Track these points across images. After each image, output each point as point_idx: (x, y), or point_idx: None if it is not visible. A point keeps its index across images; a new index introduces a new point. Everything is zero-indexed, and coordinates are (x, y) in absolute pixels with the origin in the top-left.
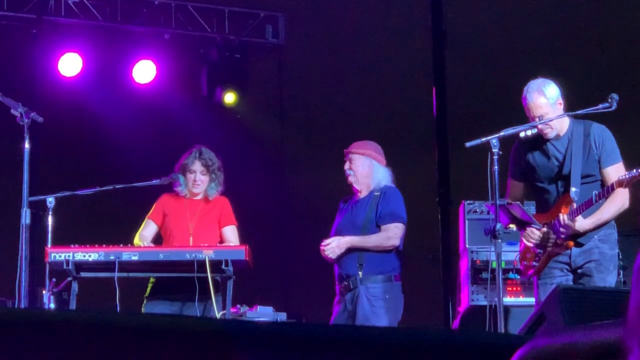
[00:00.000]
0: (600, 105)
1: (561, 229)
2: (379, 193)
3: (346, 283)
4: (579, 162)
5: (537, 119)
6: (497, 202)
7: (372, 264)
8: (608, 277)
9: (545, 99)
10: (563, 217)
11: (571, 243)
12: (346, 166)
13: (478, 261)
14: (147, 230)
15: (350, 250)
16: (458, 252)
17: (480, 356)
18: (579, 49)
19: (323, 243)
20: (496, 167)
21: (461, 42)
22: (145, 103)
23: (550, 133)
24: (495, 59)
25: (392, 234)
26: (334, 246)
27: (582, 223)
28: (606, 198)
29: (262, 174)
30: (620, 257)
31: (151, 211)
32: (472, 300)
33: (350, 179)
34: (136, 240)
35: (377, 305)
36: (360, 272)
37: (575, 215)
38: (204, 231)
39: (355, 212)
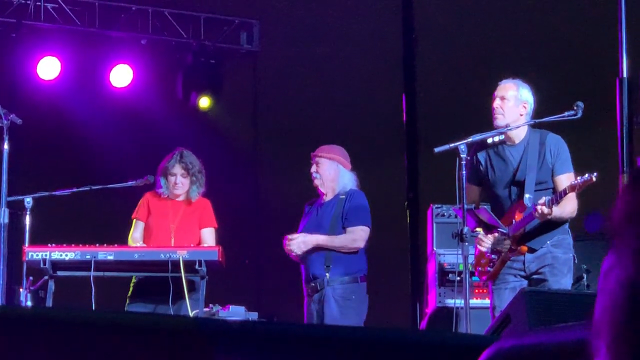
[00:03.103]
0: (566, 113)
1: (536, 214)
2: (344, 196)
3: (313, 284)
4: (533, 170)
5: (495, 99)
6: (465, 206)
7: (339, 265)
8: (562, 280)
9: (516, 91)
10: (541, 205)
11: (525, 248)
12: (313, 169)
13: (445, 264)
14: (137, 232)
15: (317, 251)
16: (426, 255)
17: (447, 356)
18: (547, 56)
19: (288, 237)
20: (464, 172)
21: (431, 49)
22: (122, 106)
23: (499, 120)
24: (465, 66)
25: (358, 236)
26: (299, 241)
27: (555, 210)
28: (558, 203)
29: (235, 177)
30: (576, 260)
31: (137, 211)
32: (439, 302)
33: (317, 181)
34: (129, 242)
35: (344, 305)
36: (327, 274)
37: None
38: (185, 232)
39: (321, 214)
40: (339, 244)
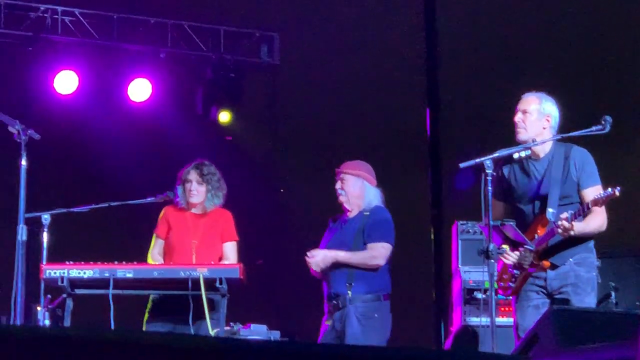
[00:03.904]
0: (594, 128)
1: (559, 230)
2: (368, 213)
3: (335, 302)
4: (557, 184)
5: (518, 112)
6: (490, 222)
7: (361, 283)
8: (586, 299)
9: (538, 104)
10: (562, 220)
11: (547, 263)
12: (337, 186)
13: (470, 281)
14: (157, 249)
15: (339, 269)
16: (450, 272)
17: None
18: (574, 71)
19: (309, 254)
20: (489, 187)
21: (455, 64)
22: (140, 121)
23: (522, 134)
24: (489, 81)
25: (378, 253)
26: (318, 260)
27: (576, 226)
28: (583, 217)
29: (255, 191)
30: (600, 280)
31: (157, 227)
32: (464, 320)
33: (341, 198)
34: (149, 260)
35: (366, 324)
36: (349, 292)
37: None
38: (206, 248)
39: (344, 231)
40: (357, 260)
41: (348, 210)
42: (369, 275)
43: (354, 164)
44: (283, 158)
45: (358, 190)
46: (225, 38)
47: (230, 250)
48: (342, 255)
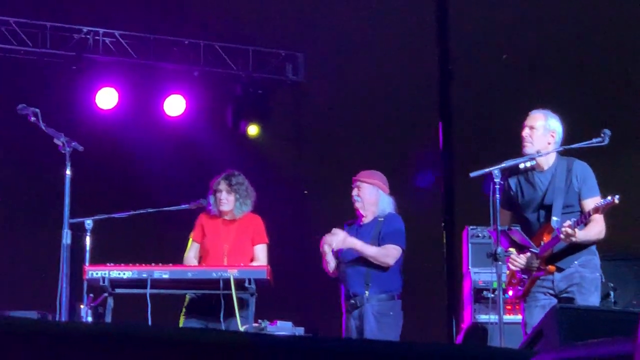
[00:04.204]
0: (594, 140)
1: (562, 236)
2: (382, 219)
3: (353, 301)
4: (561, 194)
5: (525, 128)
6: (499, 227)
7: (377, 284)
8: (590, 298)
9: (544, 121)
10: (566, 227)
11: (553, 268)
12: (354, 193)
13: (480, 281)
14: (192, 252)
15: (357, 271)
16: (461, 273)
17: None
18: (577, 87)
19: (332, 233)
20: (498, 195)
21: (466, 80)
22: (175, 134)
23: (528, 148)
24: (498, 95)
25: (390, 252)
26: (339, 239)
27: (578, 234)
28: (585, 224)
29: (281, 199)
30: (603, 279)
31: (193, 231)
32: (475, 317)
33: (357, 204)
34: (184, 262)
35: (382, 321)
36: (366, 291)
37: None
38: (238, 251)
39: (360, 235)
40: (371, 253)
41: (362, 216)
42: (383, 277)
43: (369, 173)
44: (306, 167)
45: (373, 197)
46: (254, 57)
47: (260, 252)
48: (359, 244)
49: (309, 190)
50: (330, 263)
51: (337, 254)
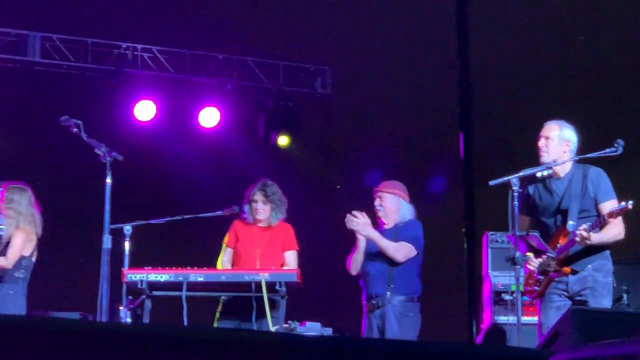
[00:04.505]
0: (607, 150)
1: (577, 239)
2: (402, 224)
3: (375, 301)
4: (576, 200)
5: (541, 138)
6: (517, 233)
7: (399, 285)
8: (603, 301)
9: (559, 131)
10: (581, 230)
11: (568, 269)
12: (376, 202)
13: (499, 284)
14: (226, 256)
15: (380, 272)
16: (481, 277)
17: None
18: (591, 98)
19: (355, 213)
20: (516, 202)
21: (485, 92)
22: (209, 145)
23: (544, 157)
24: (516, 107)
25: (402, 249)
26: (363, 222)
27: (593, 236)
28: (600, 228)
29: (310, 206)
30: (615, 284)
31: (227, 237)
32: (494, 319)
33: (380, 213)
34: (218, 266)
35: (403, 322)
36: (388, 292)
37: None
38: (269, 256)
39: None
40: (385, 245)
41: (384, 224)
42: (405, 279)
43: (390, 184)
44: (334, 175)
45: (394, 206)
46: (284, 72)
47: (291, 258)
48: (376, 235)
49: (336, 198)
50: (358, 258)
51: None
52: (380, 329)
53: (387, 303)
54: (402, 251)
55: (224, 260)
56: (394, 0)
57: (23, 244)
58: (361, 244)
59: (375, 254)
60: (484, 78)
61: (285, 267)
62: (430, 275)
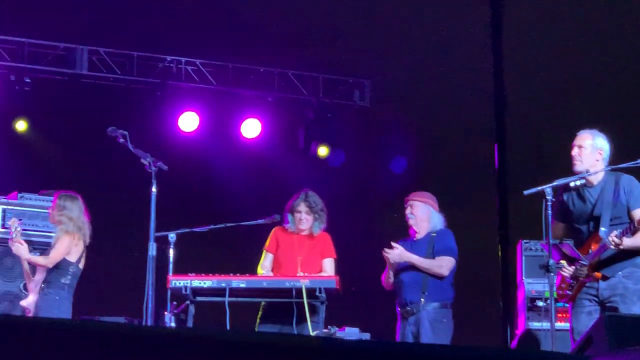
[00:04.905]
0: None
1: (611, 245)
2: (435, 234)
3: (409, 308)
4: (609, 207)
5: (574, 147)
6: (550, 241)
7: (433, 292)
8: (633, 308)
9: (592, 141)
10: (612, 236)
11: (599, 275)
12: (408, 211)
13: (533, 291)
14: (267, 262)
15: (414, 280)
16: (516, 284)
17: None
18: (625, 107)
19: (393, 246)
20: (549, 211)
21: (520, 104)
22: (251, 154)
23: (578, 166)
24: (549, 119)
25: (444, 264)
26: (397, 253)
27: (625, 241)
28: (632, 233)
29: (349, 215)
30: None
31: (267, 244)
32: (528, 324)
33: (411, 222)
34: (259, 271)
35: (436, 327)
36: (422, 299)
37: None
38: (309, 263)
39: (415, 249)
40: (427, 266)
41: (415, 232)
42: (438, 287)
43: (420, 194)
44: (372, 186)
45: (425, 214)
46: (324, 84)
47: (328, 266)
48: (415, 258)
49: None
50: (390, 278)
51: (395, 265)
52: (415, 335)
53: (421, 310)
54: (445, 266)
55: (264, 265)
56: (430, 15)
57: (67, 248)
58: (391, 271)
59: (409, 265)
60: (518, 89)
61: (323, 274)
62: (467, 282)
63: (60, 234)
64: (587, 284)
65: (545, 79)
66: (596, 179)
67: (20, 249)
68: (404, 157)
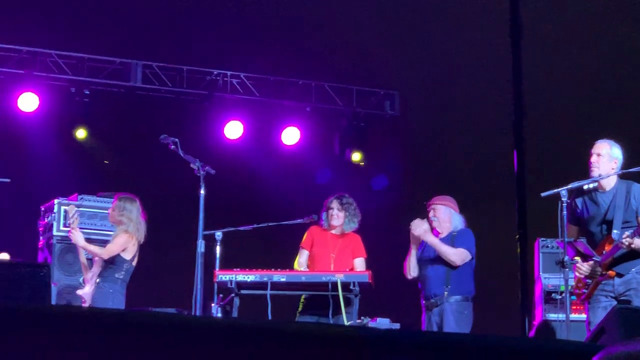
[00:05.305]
0: None
1: (623, 245)
2: (456, 233)
3: (433, 300)
4: (620, 211)
5: (593, 155)
6: (565, 239)
7: (455, 285)
8: None
9: (608, 150)
10: (626, 238)
11: (613, 273)
12: (430, 214)
13: (549, 285)
14: (302, 258)
15: (438, 274)
16: (533, 279)
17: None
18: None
19: (419, 221)
20: (565, 212)
21: (538, 112)
22: (291, 160)
23: (595, 172)
24: (564, 127)
25: (459, 253)
26: (423, 228)
27: (636, 241)
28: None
29: (380, 216)
30: None
31: (304, 241)
32: (545, 316)
33: (435, 224)
34: (295, 266)
35: (458, 318)
36: (446, 292)
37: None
38: (342, 260)
39: None
40: (443, 250)
41: (439, 233)
42: (460, 281)
43: (441, 198)
44: (400, 187)
45: (447, 216)
46: (357, 96)
47: (359, 264)
48: (435, 241)
49: (401, 207)
50: (412, 262)
51: (420, 251)
52: (439, 325)
53: (444, 302)
54: (460, 256)
55: (300, 261)
56: (453, 31)
57: (124, 245)
58: (413, 250)
59: (433, 259)
60: (538, 99)
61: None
62: (488, 277)
63: (119, 232)
64: (602, 282)
65: (563, 89)
66: (609, 185)
67: (77, 236)
68: (431, 162)
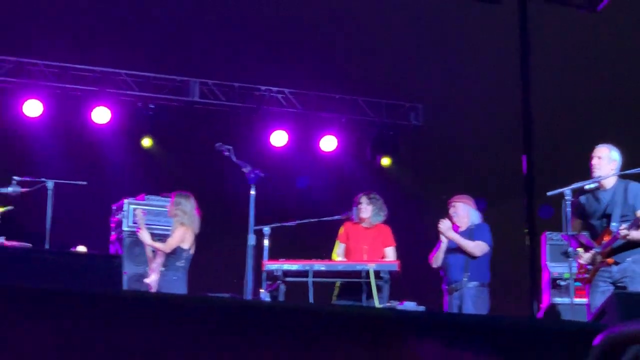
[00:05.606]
0: None
1: (620, 236)
2: (474, 227)
3: (454, 286)
4: (619, 207)
5: (594, 158)
6: (569, 233)
7: (473, 272)
8: (639, 287)
9: (607, 153)
10: (623, 230)
11: (611, 260)
12: (451, 211)
13: (555, 273)
14: (339, 250)
15: (457, 261)
16: (541, 267)
17: (567, 337)
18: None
19: (443, 221)
20: (569, 209)
21: (546, 117)
22: (328, 165)
23: (596, 173)
24: (570, 133)
25: (478, 246)
26: (448, 226)
27: (632, 233)
28: (637, 228)
29: (405, 213)
30: None
31: (340, 234)
32: (551, 300)
33: (455, 219)
34: (333, 257)
35: (476, 302)
36: (465, 278)
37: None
38: (373, 251)
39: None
40: (464, 244)
41: (458, 227)
42: (478, 268)
43: (460, 196)
44: (424, 190)
45: (465, 212)
46: (386, 108)
47: (390, 252)
48: (457, 237)
49: (425, 207)
50: (440, 255)
51: (447, 242)
52: (459, 307)
53: (464, 287)
54: (479, 248)
55: (338, 252)
56: (466, 49)
57: (181, 236)
58: (443, 245)
59: (455, 249)
60: (546, 105)
61: (386, 259)
62: (502, 267)
63: (176, 225)
64: (601, 269)
65: (573, 97)
66: (608, 184)
67: (145, 235)
68: (451, 165)
